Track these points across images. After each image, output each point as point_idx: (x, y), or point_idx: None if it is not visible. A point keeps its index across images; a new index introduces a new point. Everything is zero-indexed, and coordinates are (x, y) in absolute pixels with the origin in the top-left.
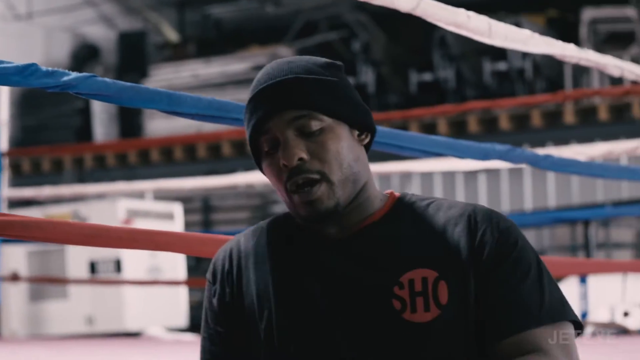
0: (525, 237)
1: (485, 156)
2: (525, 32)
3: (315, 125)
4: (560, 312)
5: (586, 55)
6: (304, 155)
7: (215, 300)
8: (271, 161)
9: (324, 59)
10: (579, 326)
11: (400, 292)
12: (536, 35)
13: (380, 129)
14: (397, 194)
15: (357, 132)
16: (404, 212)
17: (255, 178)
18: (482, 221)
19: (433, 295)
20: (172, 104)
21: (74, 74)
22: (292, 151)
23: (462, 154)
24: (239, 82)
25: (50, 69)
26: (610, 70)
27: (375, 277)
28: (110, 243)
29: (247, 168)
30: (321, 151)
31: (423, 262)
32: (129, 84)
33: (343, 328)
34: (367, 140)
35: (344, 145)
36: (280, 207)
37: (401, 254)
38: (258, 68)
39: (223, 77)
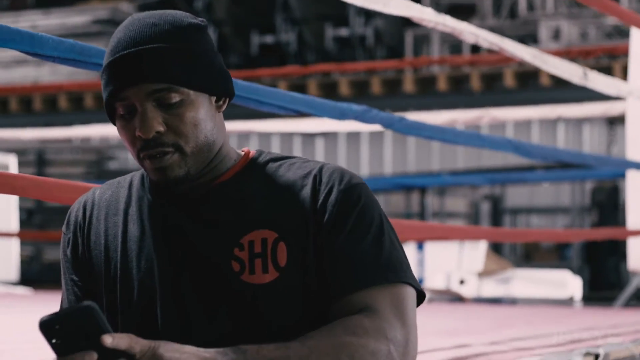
0: (372, 197)
1: (341, 115)
2: None
3: (174, 97)
4: (396, 273)
5: (443, 20)
6: (161, 128)
7: (69, 251)
8: (126, 125)
9: (187, 20)
10: (421, 295)
11: (240, 253)
12: None
13: (241, 82)
14: (253, 152)
15: (215, 99)
16: (255, 171)
17: (92, 132)
18: (327, 181)
19: (272, 257)
20: (34, 44)
21: None
22: (149, 123)
23: (319, 112)
24: (78, 35)
25: None
26: (465, 37)
27: (217, 238)
28: None
29: (84, 122)
30: (179, 124)
31: (265, 223)
32: None
33: (184, 287)
34: (225, 106)
35: (202, 117)
36: (116, 164)
37: (244, 215)
38: (99, 22)
39: (62, 30)
